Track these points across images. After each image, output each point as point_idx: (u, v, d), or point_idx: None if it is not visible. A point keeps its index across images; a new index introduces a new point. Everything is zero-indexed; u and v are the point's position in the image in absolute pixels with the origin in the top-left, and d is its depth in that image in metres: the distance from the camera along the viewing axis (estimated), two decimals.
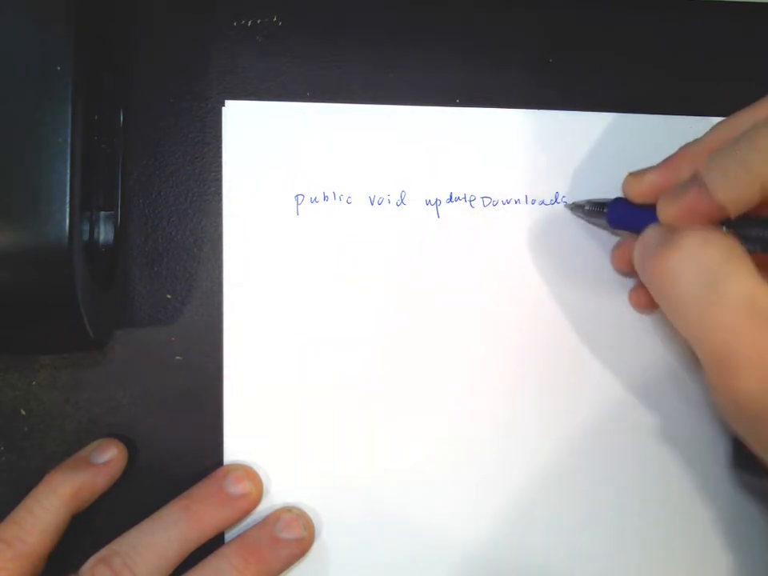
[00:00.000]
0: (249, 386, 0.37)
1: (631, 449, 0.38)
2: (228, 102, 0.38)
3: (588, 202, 0.37)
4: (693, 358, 0.38)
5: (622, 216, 0.35)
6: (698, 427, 0.39)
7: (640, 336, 0.39)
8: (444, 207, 0.38)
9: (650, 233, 0.32)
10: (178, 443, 0.37)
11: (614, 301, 0.39)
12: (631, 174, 0.35)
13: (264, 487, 0.37)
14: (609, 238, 0.39)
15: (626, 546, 0.38)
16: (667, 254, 0.30)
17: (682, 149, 0.34)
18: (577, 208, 0.38)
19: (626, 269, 0.37)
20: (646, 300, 0.37)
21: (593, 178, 0.39)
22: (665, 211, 0.32)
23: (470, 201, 0.38)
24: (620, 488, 0.38)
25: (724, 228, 0.31)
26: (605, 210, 0.36)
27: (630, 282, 0.39)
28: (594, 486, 0.38)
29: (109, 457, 0.36)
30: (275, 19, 0.39)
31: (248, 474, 0.36)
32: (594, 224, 0.38)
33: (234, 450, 0.37)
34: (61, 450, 0.37)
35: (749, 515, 0.39)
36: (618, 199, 0.36)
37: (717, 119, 0.39)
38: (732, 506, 0.39)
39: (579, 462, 0.38)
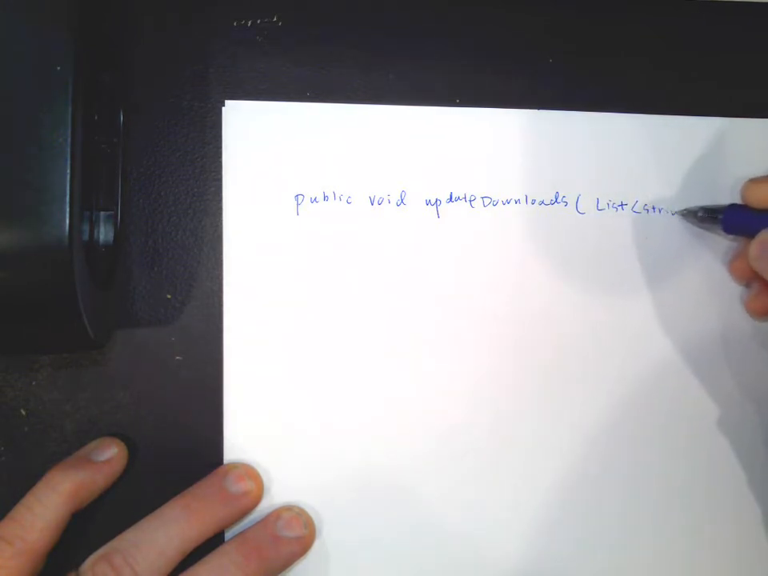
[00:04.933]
0: (249, 386, 0.37)
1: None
2: (228, 102, 0.38)
3: (701, 208, 0.37)
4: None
5: (737, 221, 0.36)
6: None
7: (639, 327, 0.39)
8: (444, 207, 0.38)
9: None
10: (178, 443, 0.37)
11: (614, 298, 0.39)
12: (752, 181, 0.36)
13: (264, 486, 0.37)
14: (609, 239, 0.39)
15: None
16: None
17: None
18: (689, 214, 0.38)
19: (746, 276, 0.38)
20: (764, 306, 0.38)
21: (593, 178, 0.39)
22: None
23: (470, 201, 0.38)
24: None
25: None
26: (719, 217, 0.36)
27: (626, 281, 0.39)
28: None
29: (109, 455, 0.36)
30: (275, 19, 0.39)
31: (248, 472, 0.36)
32: (707, 229, 0.39)
33: (234, 448, 0.37)
34: (61, 450, 0.37)
35: None
36: (732, 205, 0.36)
37: (717, 119, 0.39)
38: None
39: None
